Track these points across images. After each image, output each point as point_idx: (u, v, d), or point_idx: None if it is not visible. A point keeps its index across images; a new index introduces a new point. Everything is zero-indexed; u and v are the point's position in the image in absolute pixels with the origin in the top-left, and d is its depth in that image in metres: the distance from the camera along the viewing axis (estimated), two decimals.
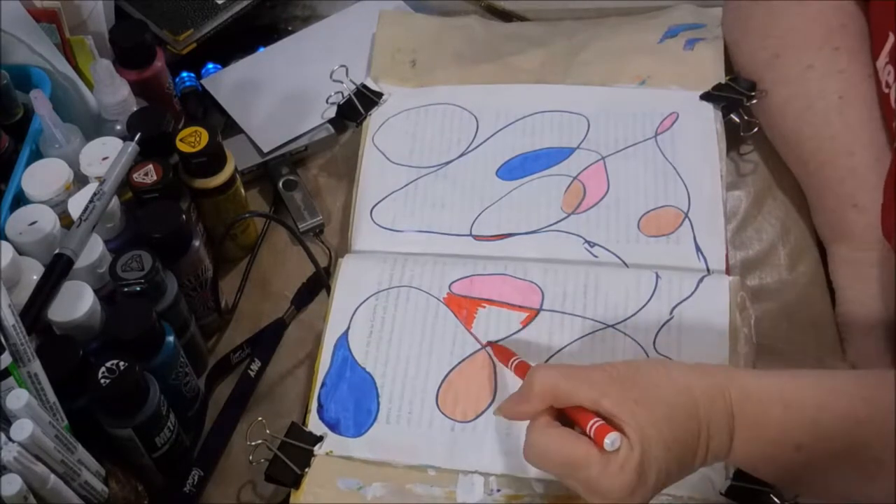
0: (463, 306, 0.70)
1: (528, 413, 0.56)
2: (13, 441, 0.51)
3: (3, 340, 0.53)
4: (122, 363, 0.59)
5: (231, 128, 0.86)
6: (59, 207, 0.67)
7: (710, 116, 0.79)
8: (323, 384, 0.68)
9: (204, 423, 0.71)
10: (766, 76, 0.78)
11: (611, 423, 0.52)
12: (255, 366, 0.73)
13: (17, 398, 0.52)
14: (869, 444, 0.51)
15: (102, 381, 0.59)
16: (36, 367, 0.55)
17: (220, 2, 0.89)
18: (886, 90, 0.71)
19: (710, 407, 0.52)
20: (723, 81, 0.80)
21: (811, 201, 0.76)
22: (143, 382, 0.61)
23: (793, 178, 0.78)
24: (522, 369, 0.63)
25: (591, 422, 0.52)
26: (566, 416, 0.55)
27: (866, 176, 0.71)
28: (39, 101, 0.68)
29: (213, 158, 0.72)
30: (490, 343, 0.68)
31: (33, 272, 0.63)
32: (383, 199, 0.78)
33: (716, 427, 0.53)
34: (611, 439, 0.51)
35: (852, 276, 0.71)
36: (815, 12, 0.76)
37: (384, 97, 0.84)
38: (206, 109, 0.88)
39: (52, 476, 0.52)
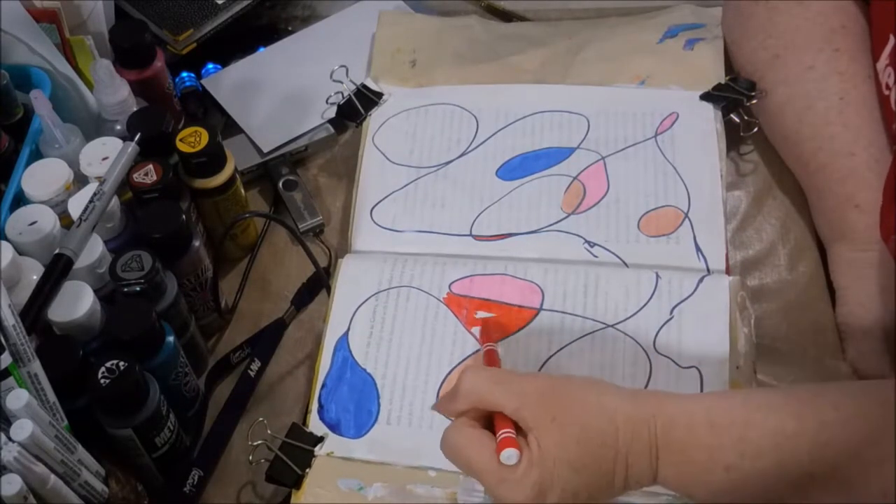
0: (463, 306, 0.70)
1: (454, 412, 0.56)
2: (13, 441, 0.51)
3: (3, 340, 0.53)
4: (122, 363, 0.59)
5: (231, 128, 0.86)
6: (59, 207, 0.67)
7: (710, 116, 0.79)
8: (323, 385, 0.68)
9: (204, 423, 0.71)
10: (767, 76, 0.78)
11: (525, 435, 0.53)
12: (255, 366, 0.73)
13: (17, 398, 0.52)
14: (800, 458, 0.50)
15: (102, 381, 0.59)
16: (36, 367, 0.55)
17: (220, 2, 0.89)
18: (886, 92, 0.71)
19: (632, 436, 0.52)
20: (723, 81, 0.80)
21: (811, 201, 0.76)
22: (143, 382, 0.61)
23: (793, 178, 0.78)
24: (489, 357, 0.64)
25: (501, 432, 0.53)
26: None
27: (867, 176, 0.71)
28: (39, 101, 0.68)
29: (213, 158, 0.72)
30: (485, 320, 0.69)
31: (33, 272, 0.63)
32: (383, 199, 0.77)
33: (635, 456, 0.52)
34: (507, 454, 0.52)
35: (853, 277, 0.71)
36: (815, 13, 0.76)
37: (384, 97, 0.84)
38: (206, 109, 0.88)
39: (52, 476, 0.52)
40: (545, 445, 0.52)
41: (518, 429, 0.53)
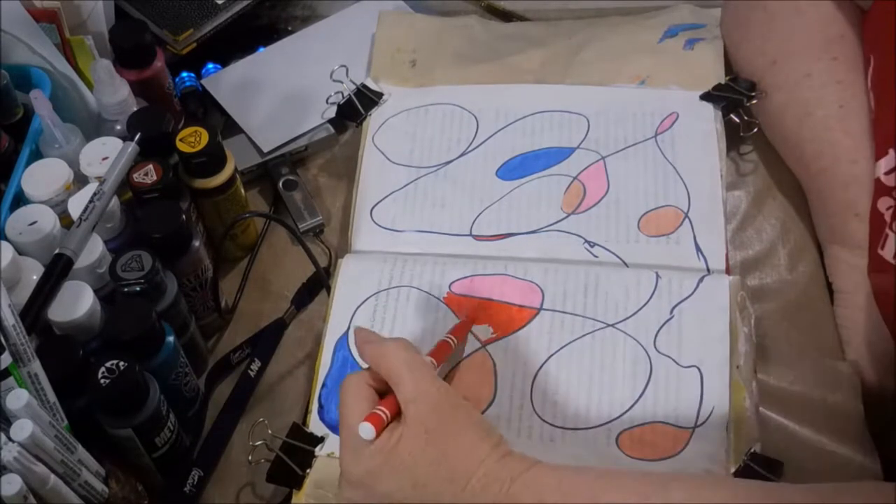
0: (463, 306, 0.70)
1: (362, 355, 0.58)
2: (13, 441, 0.51)
3: (3, 340, 0.53)
4: (122, 363, 0.59)
5: (231, 128, 0.86)
6: (59, 207, 0.67)
7: (710, 116, 0.79)
8: (323, 385, 0.68)
9: (204, 423, 0.71)
10: (765, 81, 0.78)
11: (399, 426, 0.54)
12: (255, 366, 0.73)
13: (17, 398, 0.52)
14: None
15: (102, 381, 0.59)
16: (36, 367, 0.55)
17: (220, 2, 0.89)
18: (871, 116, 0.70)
19: (481, 489, 0.53)
20: (723, 82, 0.80)
21: (812, 203, 0.76)
22: (143, 382, 0.61)
23: (793, 179, 0.78)
24: (438, 348, 0.64)
25: (377, 407, 0.54)
26: None
27: (869, 185, 0.70)
28: (39, 101, 0.68)
29: (213, 158, 0.72)
30: (474, 309, 0.69)
31: (33, 272, 0.63)
32: (383, 199, 0.77)
33: None
34: (363, 427, 0.53)
35: (852, 280, 0.71)
36: (813, 21, 0.75)
37: (384, 97, 0.84)
38: (206, 109, 0.88)
39: (52, 476, 0.52)
40: (404, 446, 0.53)
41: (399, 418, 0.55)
